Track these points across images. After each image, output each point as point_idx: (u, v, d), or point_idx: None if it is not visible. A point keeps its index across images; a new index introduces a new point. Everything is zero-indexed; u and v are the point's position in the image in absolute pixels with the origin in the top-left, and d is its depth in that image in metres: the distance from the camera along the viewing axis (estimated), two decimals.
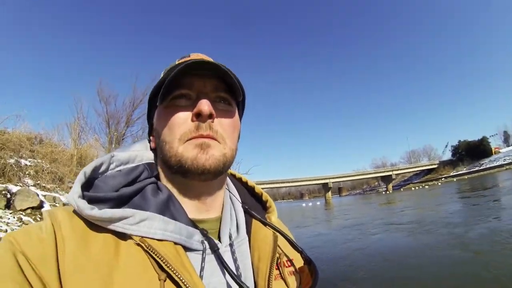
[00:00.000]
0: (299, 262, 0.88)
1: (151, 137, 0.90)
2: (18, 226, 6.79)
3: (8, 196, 7.81)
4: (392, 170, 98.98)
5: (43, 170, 10.10)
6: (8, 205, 7.63)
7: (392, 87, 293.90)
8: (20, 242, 0.58)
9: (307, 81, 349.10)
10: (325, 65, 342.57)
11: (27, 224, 6.84)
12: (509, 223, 12.00)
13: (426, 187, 69.39)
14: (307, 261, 0.86)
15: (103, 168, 0.74)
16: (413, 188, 74.79)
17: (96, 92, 23.03)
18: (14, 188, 8.23)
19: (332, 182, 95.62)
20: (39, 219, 7.53)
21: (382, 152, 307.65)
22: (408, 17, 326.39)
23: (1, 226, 6.40)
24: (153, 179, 0.79)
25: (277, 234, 0.87)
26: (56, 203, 8.74)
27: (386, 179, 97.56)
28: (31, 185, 9.20)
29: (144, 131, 23.99)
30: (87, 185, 0.69)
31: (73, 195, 0.64)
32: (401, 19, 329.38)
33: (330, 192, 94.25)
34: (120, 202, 0.69)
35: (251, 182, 1.03)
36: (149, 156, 0.86)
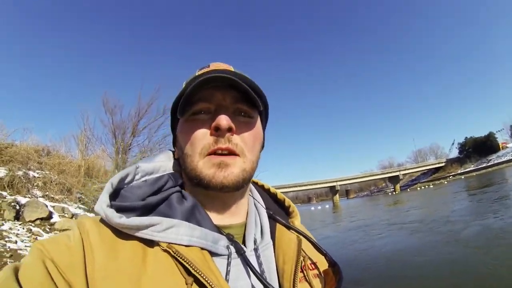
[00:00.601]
0: (323, 264, 0.88)
1: (175, 148, 0.92)
2: (28, 237, 6.89)
3: (17, 207, 7.91)
4: (399, 170, 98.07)
5: (51, 182, 10.20)
6: (18, 217, 7.74)
7: (396, 88, 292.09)
8: (49, 249, 0.61)
9: (311, 84, 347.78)
10: (329, 67, 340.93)
11: (36, 235, 6.99)
12: (505, 221, 12.11)
13: (431, 186, 69.18)
14: (331, 263, 0.87)
15: (128, 178, 0.76)
16: (418, 188, 74.43)
17: (101, 102, 23.21)
18: (23, 200, 8.35)
19: (340, 185, 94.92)
20: (48, 230, 7.67)
21: (389, 153, 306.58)
22: (411, 16, 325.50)
23: (11, 238, 6.51)
24: (177, 188, 0.80)
25: (301, 237, 0.88)
26: (65, 213, 8.83)
27: (394, 180, 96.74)
28: (40, 197, 9.30)
29: (150, 140, 24.19)
30: (114, 195, 0.72)
31: (102, 205, 0.67)
32: (402, 19, 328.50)
33: (337, 195, 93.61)
34: (146, 210, 0.71)
35: (273, 189, 1.05)
36: (174, 167, 0.87)
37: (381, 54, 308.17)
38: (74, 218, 8.77)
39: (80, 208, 9.80)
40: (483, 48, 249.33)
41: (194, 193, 0.81)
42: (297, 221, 1.00)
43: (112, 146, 22.53)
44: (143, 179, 0.78)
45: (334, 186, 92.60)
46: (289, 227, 0.90)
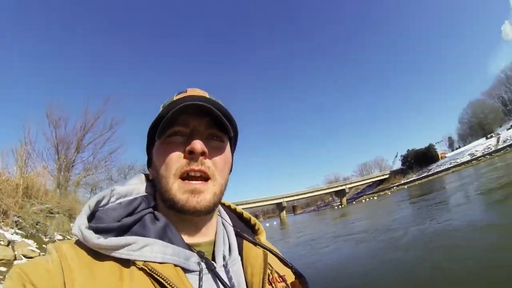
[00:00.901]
0: (290, 277, 0.94)
1: (149, 169, 0.98)
2: None
3: None
4: (345, 184, 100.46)
5: None
6: None
7: (340, 104, 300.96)
8: (28, 273, 0.63)
9: (256, 100, 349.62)
10: (275, 85, 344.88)
11: None
12: (441, 224, 13.06)
13: (375, 198, 72.59)
14: (298, 275, 0.93)
15: (104, 201, 0.80)
16: (363, 201, 77.75)
17: (45, 114, 22.08)
18: None
19: (286, 201, 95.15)
20: None
21: (335, 168, 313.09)
22: (358, 35, 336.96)
23: None
24: (150, 209, 0.85)
25: (267, 252, 0.95)
26: (0, 240, 8.48)
27: (340, 194, 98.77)
28: None
29: (95, 157, 23.76)
30: (90, 217, 0.76)
31: (80, 226, 0.70)
32: (350, 38, 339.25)
33: (284, 211, 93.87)
34: (122, 231, 0.75)
35: (239, 209, 1.11)
36: (146, 189, 0.93)
37: (324, 70, 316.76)
38: (10, 246, 8.38)
39: (17, 233, 9.31)
40: (424, 67, 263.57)
41: (166, 214, 0.86)
42: (262, 237, 1.07)
43: (54, 163, 21.53)
44: (118, 201, 0.83)
45: (280, 203, 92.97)
46: (255, 243, 0.97)
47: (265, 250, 0.95)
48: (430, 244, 10.23)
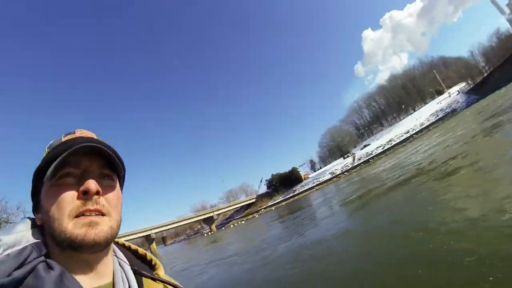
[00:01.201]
0: None
1: (35, 214, 0.91)
2: None
3: None
4: (213, 211, 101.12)
5: None
6: None
7: (204, 137, 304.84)
8: None
9: (117, 129, 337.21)
10: (134, 120, 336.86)
11: None
12: (307, 238, 14.00)
13: (243, 222, 75.89)
14: None
15: None
16: (232, 226, 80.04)
17: None
18: None
19: (155, 233, 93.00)
20: None
21: (201, 196, 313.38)
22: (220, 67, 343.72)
23: None
24: (42, 257, 0.77)
25: (168, 286, 0.99)
26: None
27: (208, 221, 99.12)
28: None
29: None
30: None
31: None
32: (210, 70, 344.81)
33: (154, 243, 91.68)
34: (13, 286, 0.68)
35: (134, 246, 1.11)
36: (34, 236, 0.84)
37: (187, 105, 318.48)
38: None
39: None
40: (284, 99, 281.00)
41: (61, 258, 0.80)
42: (161, 272, 1.07)
43: None
44: (6, 252, 0.74)
45: (149, 235, 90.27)
46: (155, 279, 1.00)
47: (166, 284, 1.00)
48: (298, 257, 10.93)
